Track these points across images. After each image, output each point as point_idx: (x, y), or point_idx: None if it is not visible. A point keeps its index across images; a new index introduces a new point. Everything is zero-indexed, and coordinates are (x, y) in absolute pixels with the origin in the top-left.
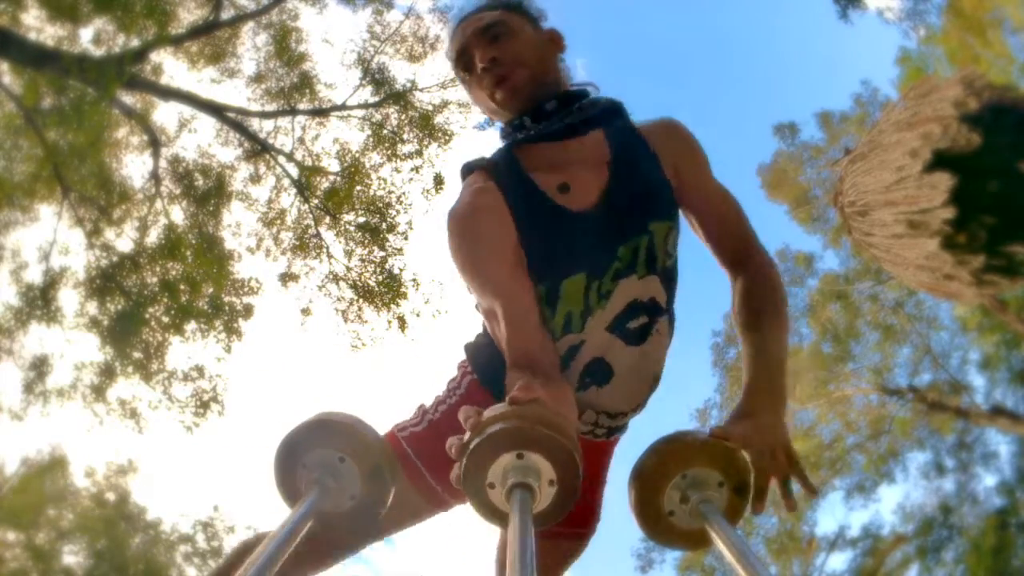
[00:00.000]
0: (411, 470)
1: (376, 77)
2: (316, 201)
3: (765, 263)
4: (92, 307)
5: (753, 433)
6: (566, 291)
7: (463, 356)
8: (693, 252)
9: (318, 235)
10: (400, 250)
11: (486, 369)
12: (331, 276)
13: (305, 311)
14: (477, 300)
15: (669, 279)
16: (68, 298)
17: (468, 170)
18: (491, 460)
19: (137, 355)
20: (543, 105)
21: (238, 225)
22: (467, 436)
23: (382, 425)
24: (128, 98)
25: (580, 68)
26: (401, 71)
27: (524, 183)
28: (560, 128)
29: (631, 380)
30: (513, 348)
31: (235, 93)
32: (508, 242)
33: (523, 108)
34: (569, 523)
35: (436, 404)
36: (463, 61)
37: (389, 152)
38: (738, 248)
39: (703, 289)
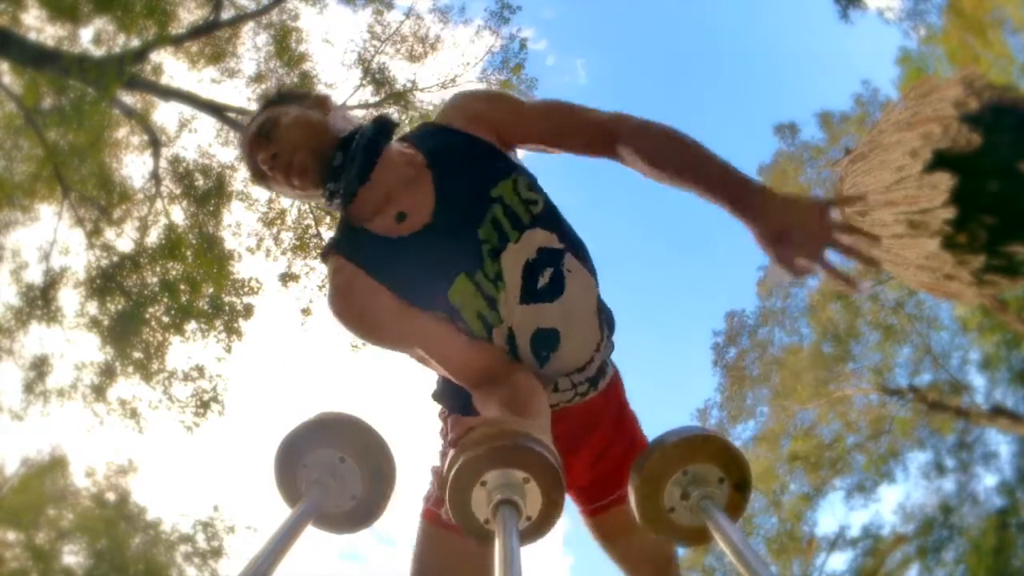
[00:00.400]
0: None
1: (376, 77)
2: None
3: (623, 119)
4: (92, 307)
5: (780, 210)
6: (458, 299)
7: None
8: (688, 257)
9: (318, 235)
10: None
11: (457, 403)
12: None
13: (305, 311)
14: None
15: (547, 219)
16: (68, 298)
17: (324, 259)
18: (468, 503)
19: (137, 355)
20: (332, 164)
21: (238, 225)
22: (444, 500)
23: (382, 425)
24: (128, 98)
25: (580, 68)
26: (401, 71)
27: (363, 240)
28: (357, 172)
29: (577, 328)
30: (461, 375)
31: (235, 93)
32: (383, 299)
33: (320, 179)
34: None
35: (441, 460)
36: (256, 172)
37: None
38: (594, 134)
39: (703, 289)
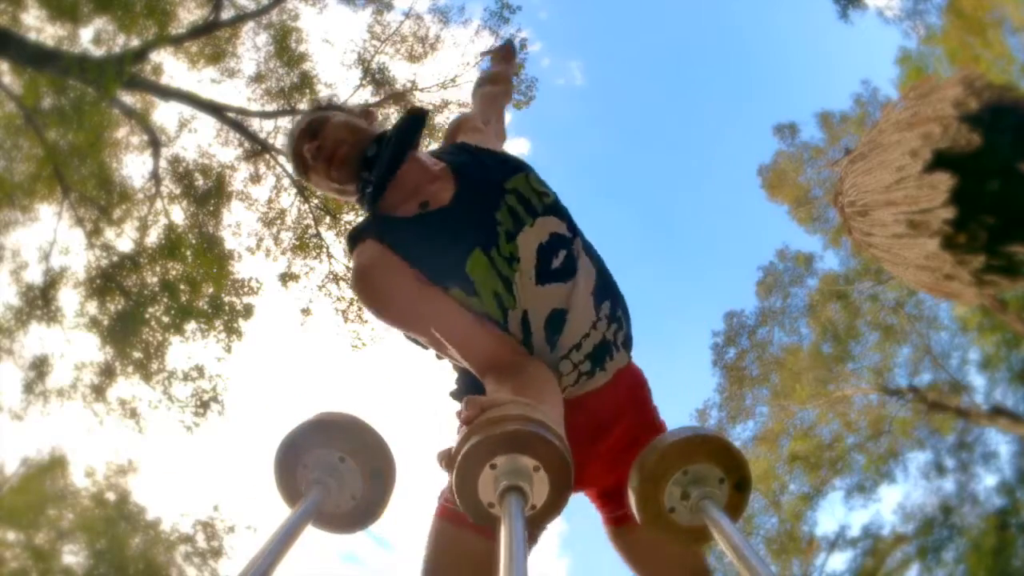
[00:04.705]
0: (476, 527)
1: (376, 77)
2: (316, 201)
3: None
4: (92, 307)
5: None
6: (473, 274)
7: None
8: (687, 257)
9: (318, 235)
10: None
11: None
12: (331, 276)
13: (305, 311)
14: (423, 342)
15: (557, 210)
16: (68, 298)
17: (352, 243)
18: (475, 484)
19: (137, 355)
20: (367, 153)
21: (238, 225)
22: (448, 479)
23: (382, 425)
24: (128, 98)
25: (575, 70)
26: (401, 71)
27: (389, 223)
28: (388, 161)
29: (580, 310)
30: (471, 358)
31: (235, 93)
32: (404, 276)
33: (356, 173)
34: None
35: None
36: (300, 164)
37: None
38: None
39: (702, 289)
